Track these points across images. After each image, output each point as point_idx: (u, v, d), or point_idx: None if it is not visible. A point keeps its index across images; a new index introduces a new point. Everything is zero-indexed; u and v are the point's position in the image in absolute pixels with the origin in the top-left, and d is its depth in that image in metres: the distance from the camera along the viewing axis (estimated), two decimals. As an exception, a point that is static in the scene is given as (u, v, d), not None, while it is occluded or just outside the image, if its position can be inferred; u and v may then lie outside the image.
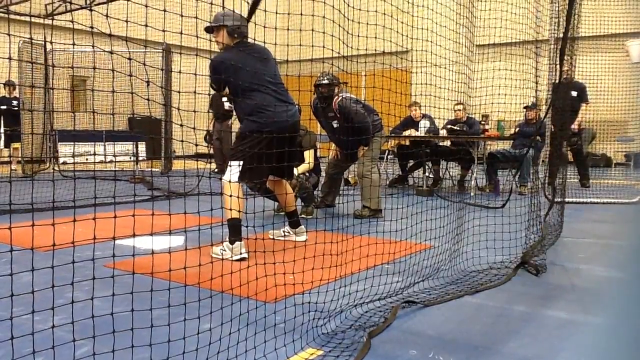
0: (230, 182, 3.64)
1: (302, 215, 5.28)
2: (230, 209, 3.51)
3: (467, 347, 2.31)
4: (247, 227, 3.03)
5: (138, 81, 2.37)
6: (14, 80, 10.47)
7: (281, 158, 3.71)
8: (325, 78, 5.58)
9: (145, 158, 11.10)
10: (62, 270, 1.86)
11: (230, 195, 3.59)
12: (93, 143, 10.21)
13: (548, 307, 2.84)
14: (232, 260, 3.53)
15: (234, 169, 3.67)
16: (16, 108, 10.57)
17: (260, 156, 3.59)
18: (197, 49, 2.36)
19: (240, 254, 3.62)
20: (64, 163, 10.14)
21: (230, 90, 3.84)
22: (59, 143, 10.34)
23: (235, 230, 3.62)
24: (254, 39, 3.48)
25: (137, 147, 10.73)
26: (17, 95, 10.78)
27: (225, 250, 3.63)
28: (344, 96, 5.62)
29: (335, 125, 5.74)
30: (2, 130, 10.77)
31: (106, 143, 10.40)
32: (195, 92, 2.27)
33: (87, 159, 10.34)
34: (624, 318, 0.66)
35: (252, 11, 3.77)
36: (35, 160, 10.07)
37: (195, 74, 2.29)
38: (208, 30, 3.81)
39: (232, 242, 3.62)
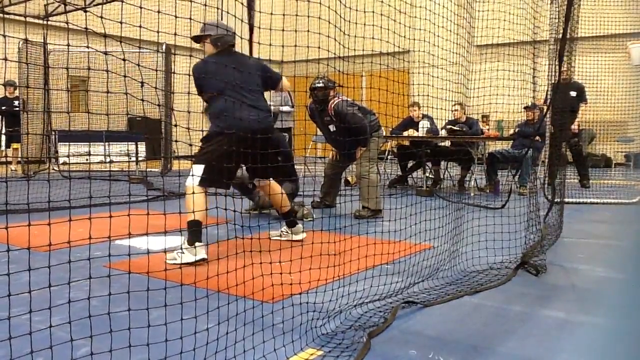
0: (193, 185, 3.59)
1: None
2: (193, 212, 3.44)
3: (467, 347, 2.30)
4: (242, 227, 3.03)
5: (136, 82, 2.37)
6: (15, 80, 10.47)
7: (255, 161, 3.68)
8: (320, 81, 5.58)
9: (144, 158, 11.09)
10: (60, 270, 1.86)
11: (193, 194, 3.54)
12: (93, 143, 10.21)
13: (547, 307, 2.84)
14: (191, 262, 3.43)
15: (197, 172, 3.67)
16: (17, 108, 10.56)
17: (223, 159, 3.60)
18: (192, 49, 2.36)
19: (196, 255, 3.49)
20: (64, 163, 10.14)
21: (203, 94, 3.99)
22: (59, 143, 10.34)
23: (195, 232, 3.55)
24: (250, 40, 3.48)
25: (136, 147, 10.73)
26: (18, 95, 10.78)
27: (183, 253, 3.49)
28: (338, 100, 5.61)
29: (332, 129, 5.74)
30: (4, 131, 10.76)
31: (106, 143, 10.39)
32: (189, 93, 2.26)
33: (87, 159, 10.34)
34: (624, 319, 0.66)
35: (250, 14, 3.85)
36: (34, 161, 10.06)
37: (190, 74, 2.29)
38: (195, 39, 3.98)
39: (191, 243, 3.52)
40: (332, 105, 5.61)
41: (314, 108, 5.78)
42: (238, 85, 3.86)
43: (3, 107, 10.70)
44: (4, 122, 10.74)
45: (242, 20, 2.57)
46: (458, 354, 2.23)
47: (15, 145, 10.99)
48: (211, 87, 3.84)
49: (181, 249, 3.46)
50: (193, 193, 3.53)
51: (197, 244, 3.51)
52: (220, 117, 3.83)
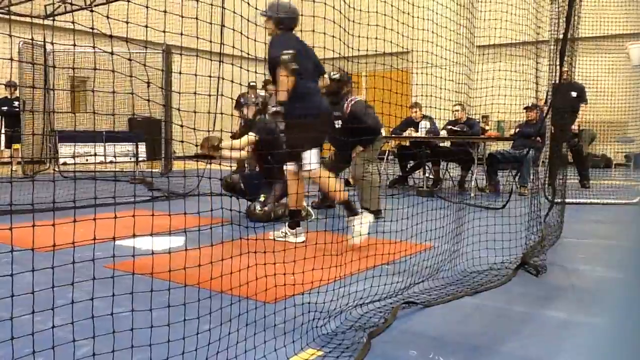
0: (319, 170, 3.84)
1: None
2: (340, 190, 3.73)
3: (467, 347, 2.31)
4: (247, 227, 3.03)
5: (138, 82, 2.37)
6: (15, 81, 10.47)
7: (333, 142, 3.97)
8: (336, 74, 5.60)
9: (145, 159, 11.09)
10: (63, 270, 1.86)
11: (329, 178, 3.80)
12: (93, 144, 10.20)
13: (548, 307, 2.84)
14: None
15: (314, 158, 3.85)
16: (17, 109, 10.56)
17: (321, 140, 3.94)
18: (197, 49, 2.36)
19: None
20: (64, 164, 10.13)
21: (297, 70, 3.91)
22: (59, 144, 10.33)
23: (350, 206, 3.78)
24: (255, 40, 3.49)
25: (137, 147, 10.73)
26: (18, 96, 10.78)
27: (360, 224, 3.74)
28: (356, 100, 5.63)
29: (337, 124, 5.74)
30: (3, 131, 10.76)
31: (106, 144, 10.39)
32: (195, 93, 2.27)
33: (87, 160, 10.33)
34: (624, 319, 0.66)
35: None
36: (35, 161, 10.06)
37: (196, 74, 2.30)
38: (264, 14, 4.01)
39: (355, 214, 3.80)
40: (350, 104, 5.63)
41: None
42: (311, 68, 3.96)
43: (3, 108, 10.70)
44: (3, 123, 10.74)
45: (247, 20, 2.57)
46: (459, 354, 2.23)
47: (15, 146, 10.98)
48: (301, 64, 3.84)
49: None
50: (315, 177, 3.82)
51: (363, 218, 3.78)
52: (304, 99, 3.87)
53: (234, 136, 7.15)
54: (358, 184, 5.81)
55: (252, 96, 9.94)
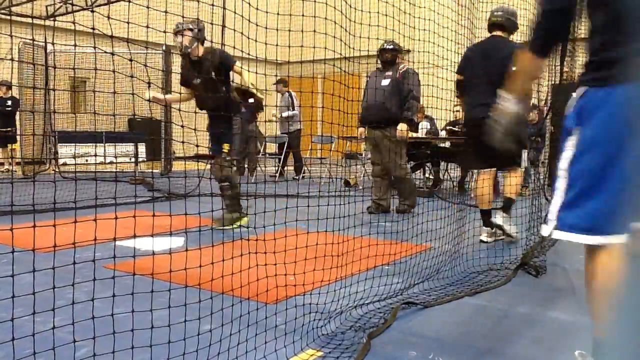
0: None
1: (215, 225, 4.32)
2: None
3: (467, 348, 2.31)
4: (247, 227, 3.02)
5: (138, 82, 2.37)
6: (12, 80, 10.46)
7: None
8: (390, 44, 5.67)
9: (145, 159, 11.09)
10: (63, 271, 1.86)
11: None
12: (93, 144, 10.20)
13: (549, 308, 2.84)
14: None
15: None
16: (9, 108, 10.55)
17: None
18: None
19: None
20: (64, 164, 10.13)
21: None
22: (59, 144, 10.33)
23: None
24: (256, 40, 3.49)
25: (137, 148, 10.73)
26: (13, 96, 10.77)
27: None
28: (413, 69, 5.73)
29: (384, 83, 5.70)
30: None
31: (106, 144, 10.39)
32: (194, 93, 2.27)
33: (87, 160, 10.33)
34: (624, 318, 0.67)
35: None
36: (35, 162, 10.06)
37: (195, 75, 2.30)
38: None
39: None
40: (407, 67, 5.74)
41: (373, 73, 5.87)
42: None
43: None
44: None
45: (249, 21, 2.57)
46: (459, 355, 2.23)
47: (14, 146, 10.97)
48: None
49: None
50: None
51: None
52: None
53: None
54: (399, 183, 5.96)
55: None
